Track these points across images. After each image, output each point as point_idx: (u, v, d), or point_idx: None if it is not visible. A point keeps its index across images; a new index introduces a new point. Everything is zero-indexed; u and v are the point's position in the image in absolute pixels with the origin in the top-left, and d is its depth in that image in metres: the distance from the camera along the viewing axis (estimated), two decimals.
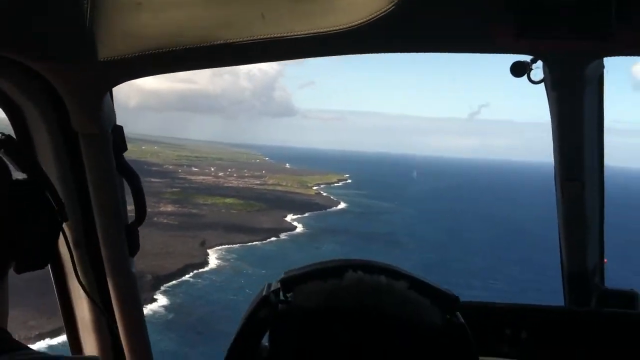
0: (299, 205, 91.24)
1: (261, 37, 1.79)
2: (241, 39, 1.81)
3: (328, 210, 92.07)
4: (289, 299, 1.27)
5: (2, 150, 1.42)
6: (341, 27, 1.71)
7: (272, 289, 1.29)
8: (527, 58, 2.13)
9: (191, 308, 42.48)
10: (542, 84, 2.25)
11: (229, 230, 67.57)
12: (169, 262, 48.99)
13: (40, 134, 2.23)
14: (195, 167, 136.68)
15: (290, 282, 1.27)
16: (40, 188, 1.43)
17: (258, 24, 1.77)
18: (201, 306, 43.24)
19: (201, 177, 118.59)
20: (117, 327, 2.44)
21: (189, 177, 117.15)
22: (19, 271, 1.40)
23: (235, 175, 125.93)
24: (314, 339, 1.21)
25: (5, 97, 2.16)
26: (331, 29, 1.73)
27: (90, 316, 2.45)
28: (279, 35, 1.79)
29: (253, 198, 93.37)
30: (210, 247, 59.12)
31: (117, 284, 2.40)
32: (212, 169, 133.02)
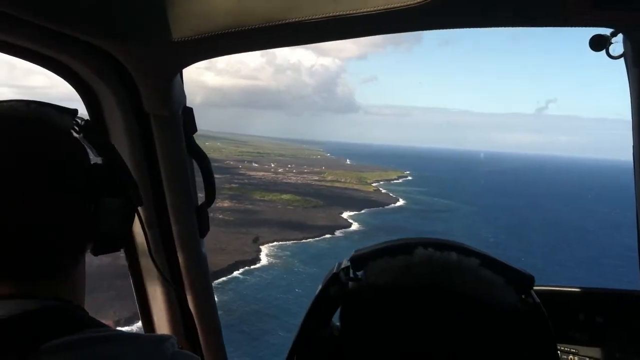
0: (356, 201, 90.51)
1: (333, 14, 1.74)
2: (312, 17, 1.77)
3: (386, 207, 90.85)
4: (359, 276, 1.27)
5: (82, 134, 1.44)
6: (411, 2, 1.66)
7: (342, 266, 1.29)
8: (606, 32, 1.96)
9: (238, 305, 42.40)
10: (622, 59, 2.06)
11: (284, 226, 67.57)
12: (220, 259, 49.10)
13: (113, 115, 2.22)
14: (256, 163, 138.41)
15: (360, 260, 1.27)
16: (116, 171, 1.45)
17: (327, 2, 1.73)
18: (247, 304, 43.10)
19: (261, 173, 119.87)
20: (188, 307, 2.45)
21: (248, 172, 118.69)
22: (95, 253, 1.43)
23: (294, 171, 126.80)
24: (385, 316, 1.20)
25: (78, 78, 2.17)
26: (400, 4, 1.67)
27: (162, 296, 2.48)
28: (347, 12, 1.74)
29: (310, 194, 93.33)
30: (263, 244, 59.27)
31: (188, 265, 2.43)
32: (272, 165, 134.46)
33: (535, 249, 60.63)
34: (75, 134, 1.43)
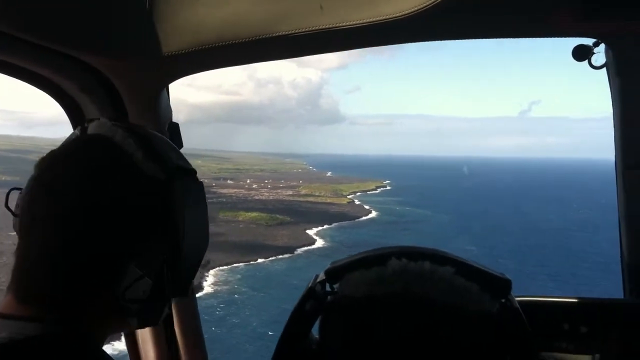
0: (327, 215, 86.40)
1: (319, 27, 1.78)
2: (298, 31, 1.79)
3: (357, 220, 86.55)
4: (335, 289, 1.29)
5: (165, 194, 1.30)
6: (398, 14, 1.69)
7: (319, 280, 1.31)
8: (589, 42, 2.07)
9: None
10: (604, 69, 2.18)
11: (240, 247, 63.12)
12: None
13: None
14: (232, 180, 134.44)
15: (335, 273, 1.31)
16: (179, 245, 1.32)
17: (316, 14, 1.76)
18: None
19: (233, 190, 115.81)
20: (176, 340, 2.41)
21: (220, 191, 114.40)
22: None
23: (269, 186, 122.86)
24: (362, 328, 1.21)
25: (64, 94, 2.14)
26: (388, 16, 1.70)
27: (151, 335, 2.42)
28: (337, 25, 1.77)
29: (279, 210, 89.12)
30: (213, 268, 54.74)
31: (177, 302, 2.37)
32: (248, 181, 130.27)
33: (506, 261, 56.53)
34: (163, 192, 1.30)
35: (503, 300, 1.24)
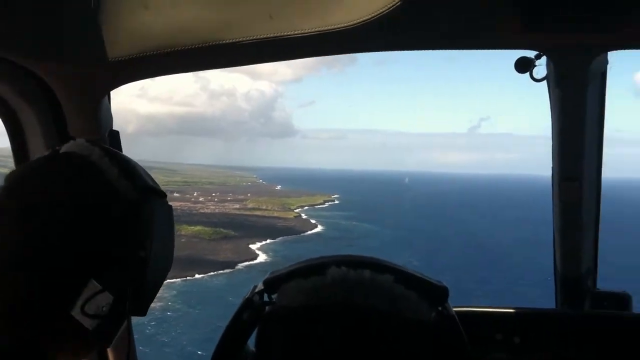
0: (272, 230, 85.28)
1: (267, 36, 1.78)
2: (247, 38, 1.79)
3: (302, 235, 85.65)
4: (273, 299, 1.27)
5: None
6: (348, 24, 1.71)
7: (256, 290, 1.29)
8: (531, 54, 2.11)
9: None
10: (545, 81, 2.22)
11: (180, 262, 61.07)
12: None
13: (36, 139, 2.17)
14: (178, 193, 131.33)
15: (273, 282, 1.27)
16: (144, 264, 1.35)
17: (264, 22, 1.76)
18: None
19: (179, 203, 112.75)
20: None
21: None
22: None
23: (216, 200, 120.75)
24: (300, 339, 1.19)
25: (0, 100, 2.10)
26: (337, 26, 1.72)
27: None
28: (285, 34, 1.77)
29: (224, 224, 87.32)
30: None
31: None
32: (195, 194, 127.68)
33: (445, 277, 56.57)
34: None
35: (440, 308, 1.24)
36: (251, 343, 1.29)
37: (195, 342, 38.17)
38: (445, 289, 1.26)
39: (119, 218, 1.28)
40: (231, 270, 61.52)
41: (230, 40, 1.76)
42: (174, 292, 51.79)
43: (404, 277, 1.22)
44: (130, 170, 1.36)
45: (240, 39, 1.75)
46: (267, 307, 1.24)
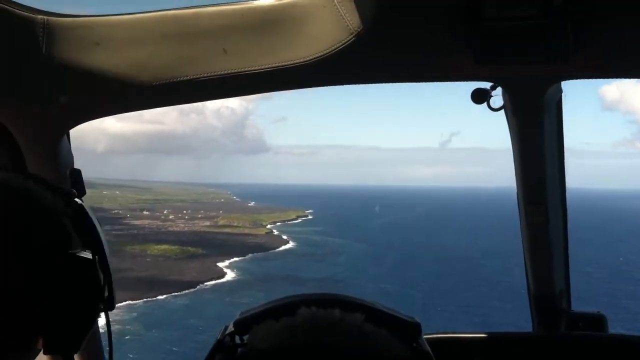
0: (242, 247, 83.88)
1: (224, 72, 1.81)
2: (204, 75, 1.82)
3: (273, 251, 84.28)
4: (245, 341, 1.27)
5: (71, 220, 1.36)
6: (303, 59, 1.76)
7: (227, 332, 1.29)
8: (487, 85, 2.14)
9: None
10: (502, 111, 2.26)
11: (142, 283, 59.30)
12: None
13: None
14: (148, 211, 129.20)
15: (243, 324, 1.27)
16: (95, 264, 1.36)
17: (220, 59, 1.79)
18: None
19: (147, 222, 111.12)
20: None
21: (133, 222, 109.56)
22: (46, 351, 1.33)
23: (187, 217, 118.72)
24: None
25: None
26: (294, 61, 1.77)
27: None
28: (242, 69, 1.81)
29: (192, 242, 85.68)
30: None
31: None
32: (165, 212, 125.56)
33: (414, 290, 55.82)
34: (65, 218, 1.35)
35: (414, 345, 1.23)
36: None
37: None
38: (418, 324, 1.26)
39: (51, 228, 1.28)
40: (195, 289, 59.98)
41: (187, 77, 1.77)
42: (134, 314, 50.13)
43: (374, 314, 1.22)
44: (53, 184, 1.37)
45: (198, 76, 1.77)
46: (239, 350, 1.23)
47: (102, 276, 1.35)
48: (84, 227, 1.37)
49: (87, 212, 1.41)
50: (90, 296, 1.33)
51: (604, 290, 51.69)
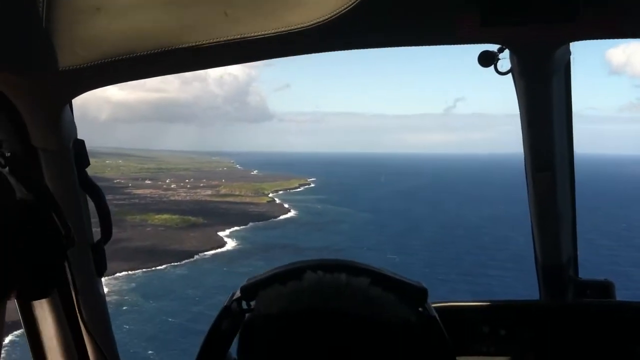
0: (243, 216, 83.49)
1: (226, 38, 1.78)
2: (205, 42, 1.78)
3: (274, 220, 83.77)
4: (252, 306, 1.28)
5: (7, 168, 1.34)
6: (306, 24, 1.72)
7: (234, 298, 1.30)
8: (494, 48, 2.12)
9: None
10: (510, 74, 2.22)
11: (142, 253, 59.05)
12: None
13: None
14: (150, 180, 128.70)
15: (250, 290, 1.28)
16: (47, 210, 1.35)
17: (222, 25, 1.76)
18: None
19: (149, 191, 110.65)
20: (86, 351, 2.28)
21: (135, 191, 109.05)
22: (23, 299, 1.36)
23: (189, 186, 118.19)
24: (280, 345, 1.20)
25: None
26: (296, 26, 1.73)
27: (57, 341, 2.37)
28: (244, 36, 1.78)
29: (194, 212, 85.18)
30: (109, 275, 50.52)
31: (86, 307, 2.25)
32: (167, 181, 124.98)
33: (414, 260, 55.28)
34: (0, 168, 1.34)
35: (420, 309, 1.24)
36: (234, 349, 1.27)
37: (141, 339, 36.67)
38: (425, 290, 1.25)
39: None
40: (195, 259, 59.61)
41: (190, 44, 1.74)
42: (133, 284, 49.87)
43: (380, 279, 1.21)
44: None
45: (200, 43, 1.74)
46: (246, 315, 1.24)
47: (55, 215, 1.32)
48: (23, 173, 1.31)
49: (21, 158, 1.37)
50: (52, 236, 1.29)
51: (607, 258, 50.96)
